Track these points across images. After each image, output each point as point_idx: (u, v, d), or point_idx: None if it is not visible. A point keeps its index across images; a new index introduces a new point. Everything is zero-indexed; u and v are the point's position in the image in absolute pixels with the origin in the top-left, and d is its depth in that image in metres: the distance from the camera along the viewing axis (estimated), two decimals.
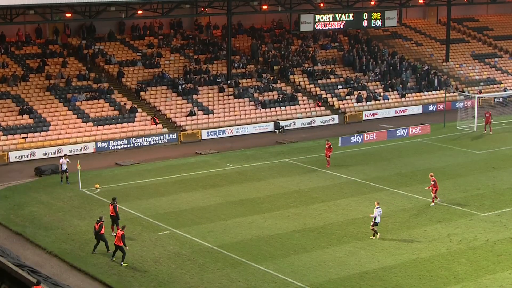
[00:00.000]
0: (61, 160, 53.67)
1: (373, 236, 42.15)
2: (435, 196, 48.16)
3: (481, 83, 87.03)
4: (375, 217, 41.94)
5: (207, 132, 68.94)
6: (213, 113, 71.87)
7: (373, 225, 42.14)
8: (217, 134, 69.24)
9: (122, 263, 38.69)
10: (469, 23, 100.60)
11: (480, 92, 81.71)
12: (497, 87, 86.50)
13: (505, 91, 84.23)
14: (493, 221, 44.86)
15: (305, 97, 77.66)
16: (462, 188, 51.65)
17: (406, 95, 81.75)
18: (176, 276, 37.32)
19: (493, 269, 37.76)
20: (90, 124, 66.54)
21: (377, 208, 42.05)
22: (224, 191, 51.62)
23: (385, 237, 42.20)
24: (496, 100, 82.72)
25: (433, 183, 47.87)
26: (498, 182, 53.25)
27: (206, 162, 59.99)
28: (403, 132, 68.29)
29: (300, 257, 39.47)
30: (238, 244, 41.47)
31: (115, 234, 40.48)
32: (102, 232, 40.05)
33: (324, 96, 78.50)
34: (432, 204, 47.99)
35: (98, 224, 39.99)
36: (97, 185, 52.09)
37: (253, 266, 38.39)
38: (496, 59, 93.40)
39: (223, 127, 70.16)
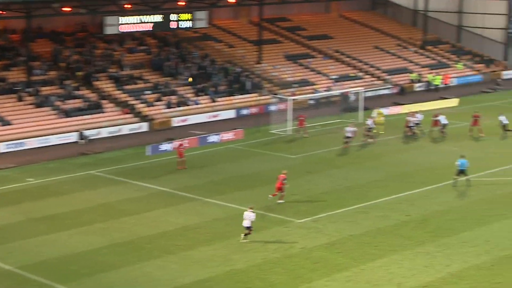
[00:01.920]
0: None
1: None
2: (276, 193, 49.04)
3: (295, 85, 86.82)
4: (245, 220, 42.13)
5: (6, 145, 64.96)
6: (11, 124, 68.21)
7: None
8: (16, 146, 65.38)
9: None
10: (281, 23, 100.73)
11: (293, 94, 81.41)
12: (311, 89, 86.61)
13: (315, 92, 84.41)
14: (309, 227, 44.86)
15: (111, 104, 75.04)
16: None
17: (218, 99, 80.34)
18: None
19: (310, 278, 37.62)
20: None
21: (247, 212, 42.29)
22: (24, 208, 49.30)
23: (197, 249, 41.46)
24: (310, 102, 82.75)
25: (278, 180, 48.97)
26: (313, 187, 53.49)
27: (4, 177, 56.96)
28: (215, 138, 67.44)
29: (108, 275, 38.13)
30: (42, 264, 39.58)
31: None
32: None
33: (131, 102, 75.95)
34: (282, 201, 49.03)
35: None
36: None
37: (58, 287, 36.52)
38: (310, 60, 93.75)
39: (23, 138, 66.42)
